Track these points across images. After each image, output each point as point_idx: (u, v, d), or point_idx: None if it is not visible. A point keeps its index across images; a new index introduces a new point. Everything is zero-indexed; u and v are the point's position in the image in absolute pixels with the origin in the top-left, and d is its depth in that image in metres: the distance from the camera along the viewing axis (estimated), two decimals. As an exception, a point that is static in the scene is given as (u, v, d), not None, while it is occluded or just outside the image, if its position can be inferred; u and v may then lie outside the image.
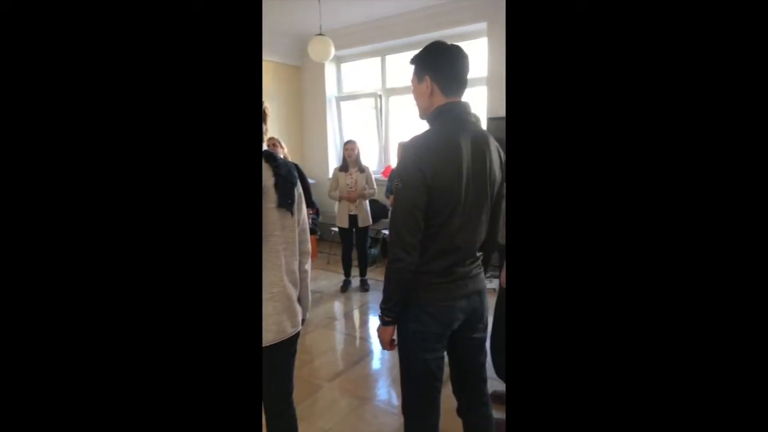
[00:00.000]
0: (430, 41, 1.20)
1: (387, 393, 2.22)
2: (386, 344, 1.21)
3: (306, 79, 5.39)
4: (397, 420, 1.95)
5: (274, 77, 5.04)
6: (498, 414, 1.85)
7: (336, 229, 3.78)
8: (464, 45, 1.20)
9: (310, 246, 1.34)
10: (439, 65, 1.14)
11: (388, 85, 4.92)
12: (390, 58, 4.87)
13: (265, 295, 1.17)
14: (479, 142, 1.14)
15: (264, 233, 1.15)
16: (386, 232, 4.35)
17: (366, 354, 2.66)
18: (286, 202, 1.18)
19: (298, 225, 1.26)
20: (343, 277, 3.82)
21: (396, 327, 1.20)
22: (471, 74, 1.18)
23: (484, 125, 3.20)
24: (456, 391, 1.35)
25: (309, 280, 1.36)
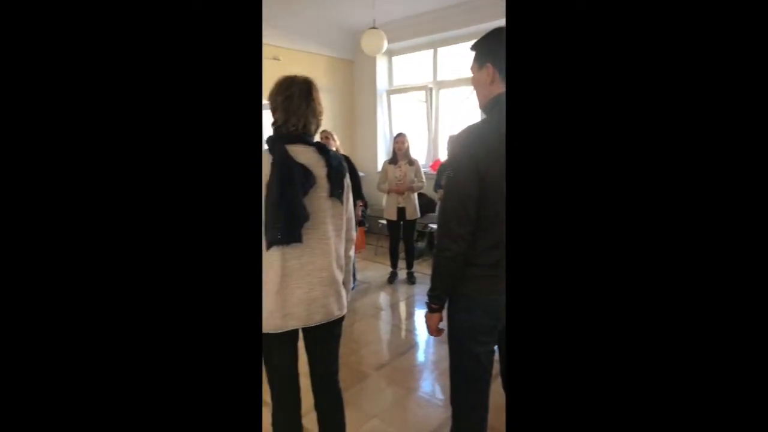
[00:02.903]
0: (485, 33, 1.15)
1: (431, 385, 2.22)
2: (432, 330, 1.21)
3: (358, 72, 5.44)
4: (441, 412, 1.94)
5: (327, 71, 5.11)
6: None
7: (384, 221, 3.80)
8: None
9: (354, 234, 1.39)
10: (502, 52, 1.08)
11: (439, 78, 4.86)
12: (442, 51, 4.81)
13: (314, 279, 1.21)
14: None
15: (315, 221, 1.20)
16: (433, 226, 4.32)
17: (411, 346, 2.67)
18: (336, 192, 1.23)
19: (346, 213, 1.31)
20: (390, 269, 3.84)
21: (445, 316, 1.20)
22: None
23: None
24: (506, 387, 1.32)
25: (351, 266, 1.41)
